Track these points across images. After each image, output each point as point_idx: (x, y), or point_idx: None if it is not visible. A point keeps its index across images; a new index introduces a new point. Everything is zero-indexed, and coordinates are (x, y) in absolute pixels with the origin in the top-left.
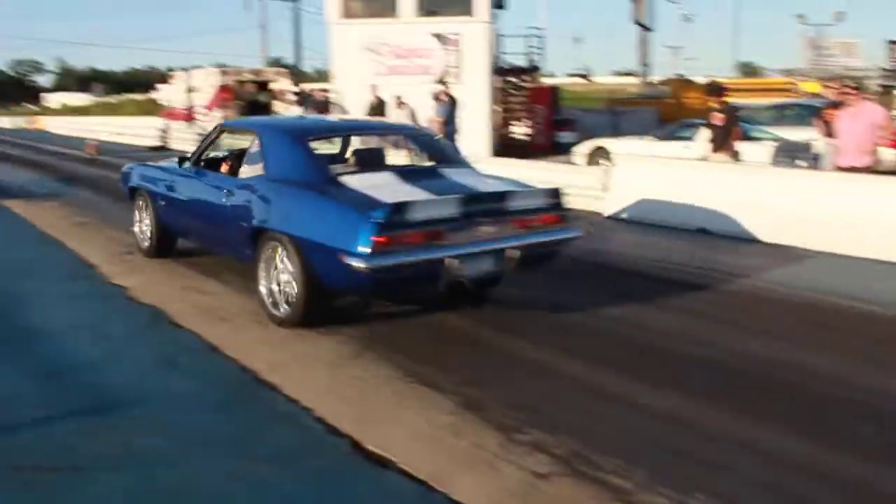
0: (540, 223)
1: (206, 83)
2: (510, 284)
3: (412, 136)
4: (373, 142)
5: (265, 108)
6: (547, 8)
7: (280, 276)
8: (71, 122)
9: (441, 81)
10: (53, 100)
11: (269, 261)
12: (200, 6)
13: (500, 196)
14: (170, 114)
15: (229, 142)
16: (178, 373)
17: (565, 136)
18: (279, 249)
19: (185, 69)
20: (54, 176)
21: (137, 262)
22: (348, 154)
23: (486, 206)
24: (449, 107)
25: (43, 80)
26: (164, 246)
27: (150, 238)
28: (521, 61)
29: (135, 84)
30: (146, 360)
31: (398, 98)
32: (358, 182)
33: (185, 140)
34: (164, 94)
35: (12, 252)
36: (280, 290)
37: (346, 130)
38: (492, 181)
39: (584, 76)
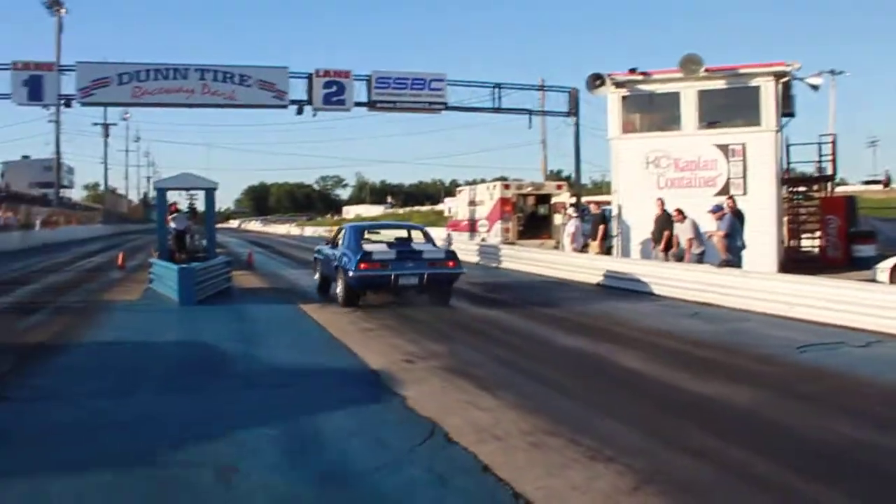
0: (441, 264)
1: (488, 196)
2: None
3: (410, 227)
4: (399, 231)
5: (544, 221)
6: (838, 111)
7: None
8: None
9: (725, 194)
10: (352, 211)
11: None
12: (486, 125)
13: (420, 252)
14: (454, 225)
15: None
16: (449, 491)
17: (864, 250)
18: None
19: (469, 183)
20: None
21: (417, 370)
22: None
23: (413, 254)
24: (732, 220)
25: (343, 193)
26: (324, 286)
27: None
28: (810, 169)
29: (422, 196)
30: (419, 475)
31: (679, 211)
32: (370, 246)
33: (465, 251)
34: (449, 205)
35: (307, 356)
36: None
37: (382, 226)
38: (428, 248)
39: (882, 182)
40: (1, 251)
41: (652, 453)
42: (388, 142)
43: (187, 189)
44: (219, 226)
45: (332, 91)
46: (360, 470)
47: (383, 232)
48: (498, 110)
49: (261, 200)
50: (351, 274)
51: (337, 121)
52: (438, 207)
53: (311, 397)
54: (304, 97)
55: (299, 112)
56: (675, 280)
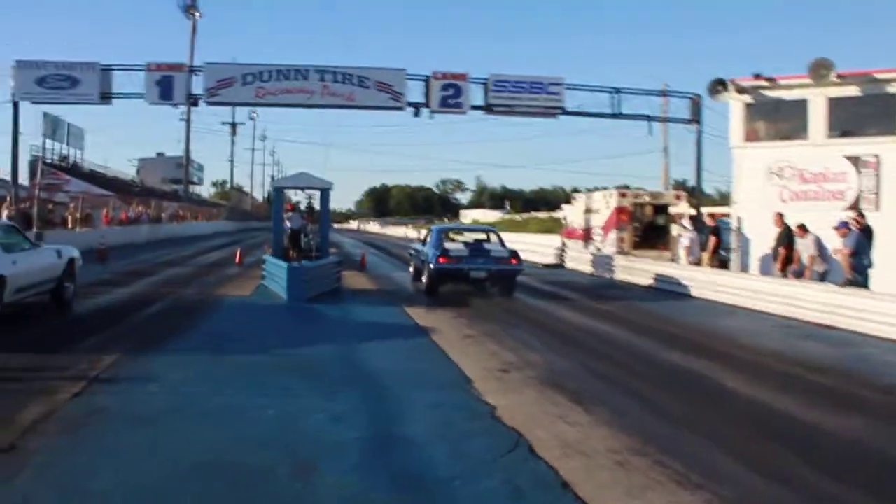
0: (506, 262)
1: (604, 204)
2: None
3: (487, 230)
4: (477, 234)
5: (662, 231)
6: None
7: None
8: None
9: (855, 209)
10: (469, 215)
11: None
12: (607, 133)
13: (489, 250)
14: (569, 233)
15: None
16: None
17: None
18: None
19: (588, 189)
20: (460, 288)
21: (511, 380)
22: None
23: (483, 252)
24: (859, 237)
25: (463, 197)
26: (417, 277)
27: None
28: None
29: (541, 202)
30: (496, 487)
31: (801, 227)
32: (449, 244)
33: (579, 260)
34: (565, 213)
35: (403, 361)
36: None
37: (463, 228)
38: (496, 247)
39: None
40: (130, 243)
41: (742, 481)
42: (508, 146)
43: (303, 188)
44: (338, 226)
45: (449, 94)
46: (437, 478)
47: (465, 234)
48: (617, 116)
49: (381, 202)
50: (432, 266)
51: (453, 124)
52: (557, 214)
53: (400, 403)
54: (422, 99)
55: (416, 114)
56: (790, 298)
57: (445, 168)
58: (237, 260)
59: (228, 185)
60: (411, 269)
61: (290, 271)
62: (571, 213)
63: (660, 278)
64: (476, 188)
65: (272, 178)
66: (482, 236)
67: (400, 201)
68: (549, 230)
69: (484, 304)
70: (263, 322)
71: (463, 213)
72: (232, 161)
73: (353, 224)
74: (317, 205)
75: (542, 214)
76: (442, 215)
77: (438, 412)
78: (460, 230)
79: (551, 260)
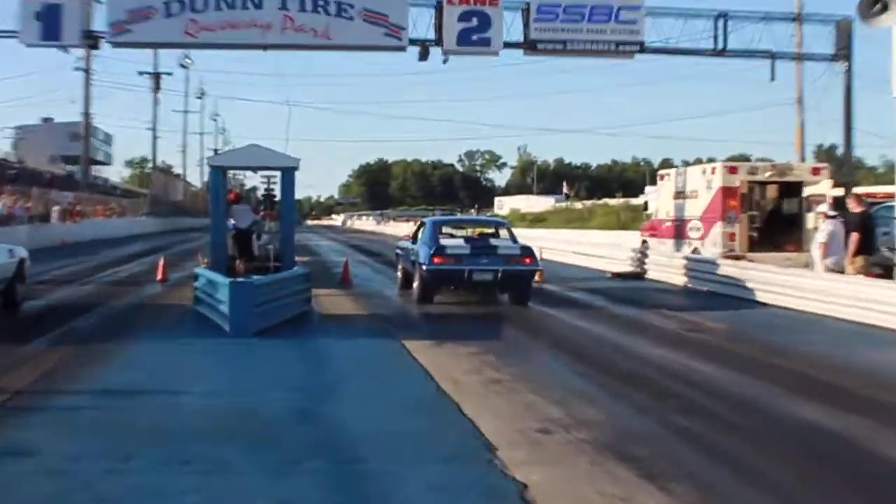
0: (517, 261)
1: (703, 184)
2: None
3: (495, 223)
4: (482, 227)
5: (793, 223)
6: None
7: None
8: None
9: None
10: (508, 204)
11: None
12: (709, 79)
13: (496, 247)
14: (652, 227)
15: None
16: None
17: None
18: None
19: (683, 164)
20: (480, 309)
21: (553, 445)
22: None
23: (488, 249)
24: None
25: (498, 177)
26: (406, 283)
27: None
28: None
29: (613, 184)
30: None
31: None
32: (445, 241)
33: (666, 267)
34: (647, 199)
35: (395, 420)
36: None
37: (465, 220)
38: (505, 243)
39: None
40: None
41: None
42: (562, 102)
43: (255, 169)
44: (313, 223)
45: (472, 25)
46: None
47: (466, 227)
48: (723, 53)
49: (378, 186)
50: (425, 267)
51: (480, 70)
52: (637, 201)
53: (387, 484)
54: (431, 35)
55: (423, 56)
56: None
57: (472, 135)
58: (160, 275)
59: (150, 166)
60: (398, 274)
61: (234, 291)
62: (657, 199)
63: (791, 293)
64: (517, 163)
65: (215, 153)
66: (488, 230)
67: (405, 185)
68: (625, 225)
69: (519, 335)
70: (194, 366)
71: (499, 200)
72: (154, 130)
73: (337, 219)
74: (279, 193)
75: (616, 201)
76: (468, 205)
77: (443, 498)
78: (461, 223)
79: (626, 267)
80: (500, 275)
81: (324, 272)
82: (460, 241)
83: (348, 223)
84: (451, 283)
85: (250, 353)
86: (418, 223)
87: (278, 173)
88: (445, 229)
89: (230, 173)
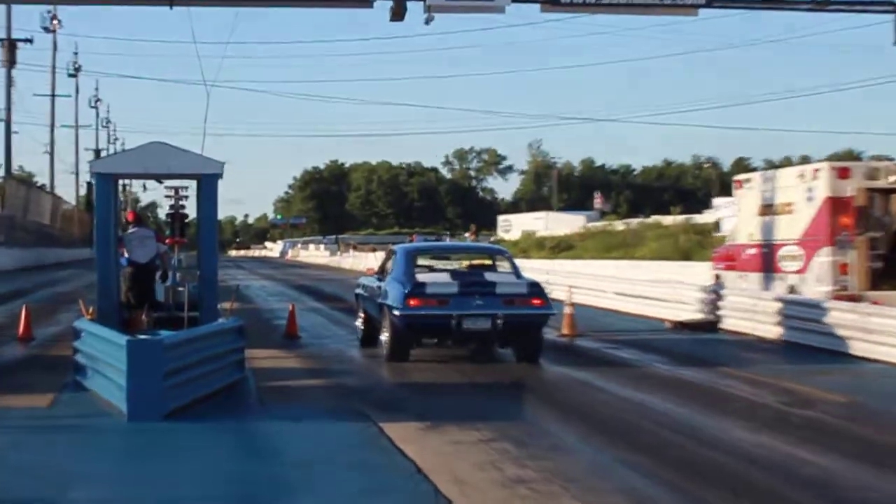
0: (522, 302)
1: (802, 193)
2: None
3: (489, 251)
4: (472, 256)
5: None
6: None
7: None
8: (534, 266)
9: None
10: (517, 223)
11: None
12: (802, 43)
13: (493, 284)
14: (726, 256)
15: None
16: None
17: None
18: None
19: (770, 166)
20: (483, 372)
21: None
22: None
23: (483, 287)
24: None
25: (500, 186)
26: (370, 335)
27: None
28: None
29: (669, 192)
30: None
31: None
32: (425, 275)
33: (750, 312)
34: (720, 216)
35: None
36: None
37: (447, 248)
38: (505, 278)
39: None
40: None
41: None
42: (592, 77)
43: (159, 177)
44: (239, 254)
45: None
46: None
47: (450, 256)
48: (824, 6)
49: (331, 200)
50: (398, 314)
51: (479, 34)
52: (703, 218)
53: None
54: None
55: (397, 15)
56: None
57: (463, 127)
58: (21, 331)
59: (1, 175)
60: (358, 323)
61: (134, 354)
62: (735, 216)
63: None
64: (529, 166)
65: (96, 154)
66: (481, 260)
67: (370, 198)
68: (687, 253)
69: (544, 412)
70: (69, 468)
71: (505, 219)
72: (8, 122)
73: (273, 248)
74: (193, 211)
75: (672, 219)
76: (460, 226)
77: None
78: (444, 251)
79: (691, 313)
80: (499, 322)
81: (261, 324)
82: (444, 277)
83: (290, 254)
84: (432, 335)
85: (158, 445)
86: (387, 252)
87: (192, 183)
88: (423, 260)
89: (122, 184)
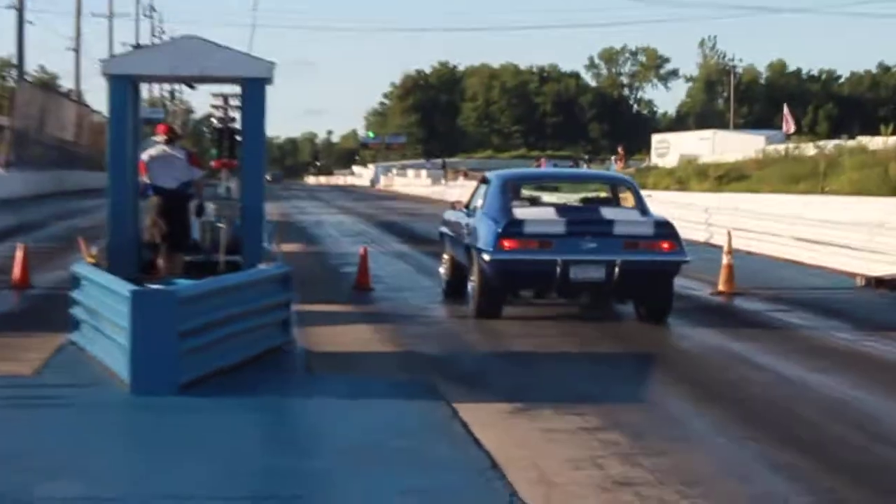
0: (648, 246)
1: None
2: None
3: (610, 180)
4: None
5: None
6: None
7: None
8: (692, 202)
9: None
10: (674, 146)
11: None
12: None
13: (610, 222)
14: None
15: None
16: None
17: None
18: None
19: None
20: (594, 336)
21: None
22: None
23: (597, 226)
24: None
25: (665, 97)
26: (456, 284)
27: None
28: None
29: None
30: None
31: None
32: (523, 211)
33: None
34: None
35: None
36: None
37: (556, 176)
38: (626, 215)
39: None
40: None
41: None
42: None
43: (190, 81)
44: (319, 181)
45: None
46: None
47: (557, 187)
48: None
49: (439, 114)
50: (487, 258)
51: None
52: None
53: None
54: None
55: None
56: None
57: (612, 20)
58: (17, 278)
59: (14, 74)
60: (442, 270)
61: (139, 309)
62: None
63: None
64: (700, 71)
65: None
66: (594, 193)
67: (490, 112)
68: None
69: (673, 393)
70: (55, 457)
71: (660, 139)
72: (20, 11)
73: (363, 174)
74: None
75: (883, 141)
76: (606, 149)
77: None
78: (551, 180)
79: (893, 267)
80: (617, 270)
81: (324, 273)
82: (549, 212)
83: (382, 181)
84: (531, 286)
85: (166, 426)
86: (479, 180)
87: (238, 89)
88: (524, 191)
89: (170, 90)
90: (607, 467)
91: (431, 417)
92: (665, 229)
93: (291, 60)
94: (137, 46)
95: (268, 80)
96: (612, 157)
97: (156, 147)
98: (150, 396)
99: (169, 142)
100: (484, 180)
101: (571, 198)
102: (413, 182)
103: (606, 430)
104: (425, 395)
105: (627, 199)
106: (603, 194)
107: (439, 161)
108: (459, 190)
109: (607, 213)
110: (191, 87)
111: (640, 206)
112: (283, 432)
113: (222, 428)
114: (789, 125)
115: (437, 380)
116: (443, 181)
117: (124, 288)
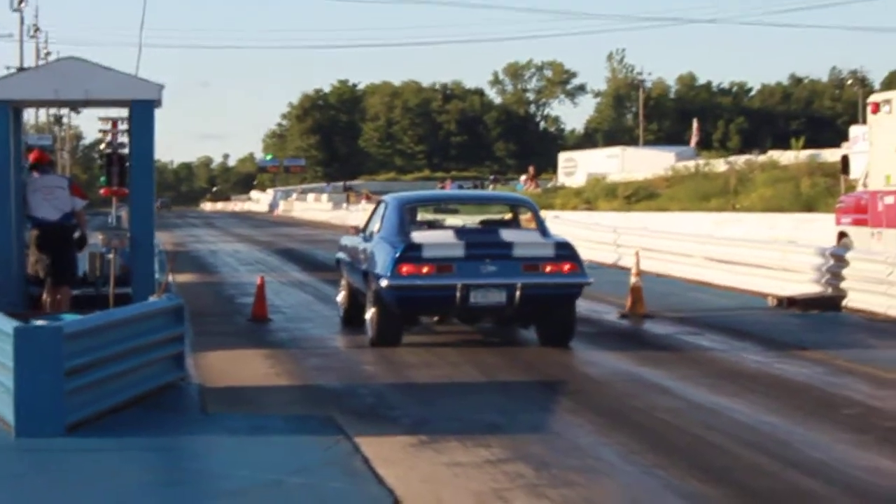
0: (547, 268)
1: None
2: None
3: (506, 201)
4: (484, 207)
5: None
6: None
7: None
8: (599, 222)
9: None
10: (581, 164)
11: None
12: None
13: (509, 245)
14: (857, 209)
15: None
16: None
17: None
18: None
19: None
20: (496, 361)
21: None
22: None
23: (496, 248)
24: None
25: (573, 113)
26: (354, 311)
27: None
28: None
29: (800, 120)
30: None
31: None
32: (420, 234)
33: (885, 286)
34: (849, 149)
35: None
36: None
37: (452, 198)
38: (525, 237)
39: None
40: None
41: None
42: None
43: (74, 104)
44: (214, 208)
45: None
46: None
47: (456, 210)
48: None
49: (340, 134)
50: (385, 284)
51: None
52: (834, 155)
53: None
54: None
55: None
56: None
57: (519, 33)
58: None
59: None
60: (340, 298)
61: (22, 345)
62: (872, 148)
63: None
64: (607, 83)
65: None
66: (497, 214)
67: (392, 131)
68: (810, 203)
69: (582, 422)
70: None
71: (567, 157)
72: None
73: (261, 199)
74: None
75: (794, 156)
76: (514, 167)
77: None
78: (448, 202)
79: (806, 285)
80: (517, 293)
81: (219, 304)
82: (447, 236)
83: (282, 207)
84: (431, 312)
85: (52, 470)
86: (375, 204)
87: (125, 112)
88: (422, 214)
89: (58, 114)
90: (513, 500)
91: (331, 453)
92: (565, 251)
93: (185, 82)
94: (21, 69)
95: (156, 103)
96: (522, 178)
97: (33, 175)
98: (35, 438)
99: (42, 170)
100: (381, 203)
101: (472, 220)
102: (313, 206)
103: (512, 461)
104: (325, 429)
105: (528, 220)
106: (505, 216)
107: (340, 184)
108: (362, 214)
109: (507, 235)
110: (76, 111)
111: (541, 228)
112: (175, 474)
113: (110, 470)
114: (697, 137)
115: (338, 414)
116: (345, 205)
117: (7, 325)
